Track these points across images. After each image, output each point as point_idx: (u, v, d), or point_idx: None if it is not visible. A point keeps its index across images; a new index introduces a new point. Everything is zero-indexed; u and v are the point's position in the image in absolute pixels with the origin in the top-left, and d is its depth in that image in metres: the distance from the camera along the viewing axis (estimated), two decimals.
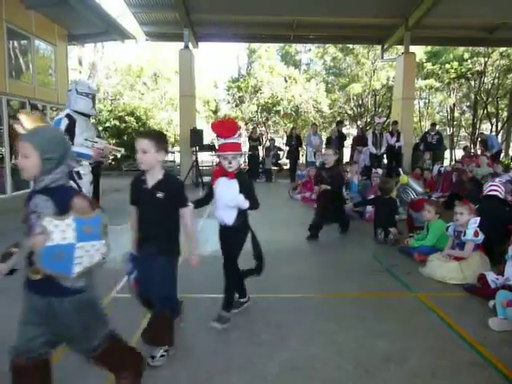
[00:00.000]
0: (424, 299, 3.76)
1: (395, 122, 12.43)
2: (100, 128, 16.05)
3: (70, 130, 4.45)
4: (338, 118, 20.25)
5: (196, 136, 11.96)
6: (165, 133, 3.49)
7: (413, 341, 3.00)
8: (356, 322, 3.29)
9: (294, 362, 2.72)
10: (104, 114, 18.36)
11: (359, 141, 12.62)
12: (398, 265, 4.74)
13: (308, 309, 3.57)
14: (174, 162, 14.00)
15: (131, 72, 21.96)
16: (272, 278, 4.34)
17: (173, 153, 14.89)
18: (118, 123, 17.97)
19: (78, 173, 4.51)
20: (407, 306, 3.65)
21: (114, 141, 18.44)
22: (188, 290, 3.96)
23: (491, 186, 5.24)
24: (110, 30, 12.26)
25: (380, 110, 22.63)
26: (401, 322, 3.31)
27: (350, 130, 24.38)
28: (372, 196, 6.91)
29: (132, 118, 18.12)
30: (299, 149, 14.46)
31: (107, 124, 18.07)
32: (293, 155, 13.71)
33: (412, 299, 3.81)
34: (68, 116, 4.54)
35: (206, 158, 15.50)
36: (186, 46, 12.87)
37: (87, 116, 4.92)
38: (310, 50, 25.09)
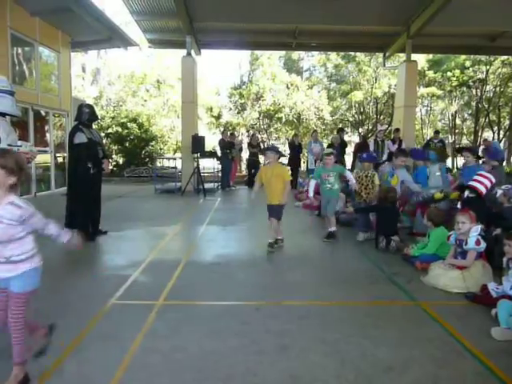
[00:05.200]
0: (426, 308, 3.74)
1: (397, 130, 12.43)
2: (102, 134, 16.09)
3: None
4: (340, 126, 20.31)
5: (198, 143, 11.97)
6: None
7: (415, 350, 2.98)
8: (357, 331, 3.27)
9: (294, 371, 2.71)
10: (106, 121, 18.43)
11: (361, 148, 12.61)
12: (400, 273, 4.72)
13: (309, 317, 3.55)
14: (175, 168, 13.99)
15: (134, 79, 22.06)
16: (273, 286, 4.35)
17: (174, 159, 14.91)
18: (120, 129, 18.02)
19: None
20: (409, 315, 3.63)
21: (116, 147, 18.53)
22: (190, 297, 3.97)
23: (478, 175, 5.33)
24: (113, 37, 12.35)
25: (382, 117, 22.66)
26: (402, 331, 3.29)
27: (352, 138, 24.41)
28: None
29: (134, 125, 18.16)
30: (300, 156, 14.47)
31: (109, 130, 18.12)
32: (294, 162, 13.73)
33: (414, 308, 3.79)
34: None
35: (207, 165, 15.53)
36: (189, 53, 12.92)
37: (4, 116, 4.11)
38: (312, 55, 25.21)
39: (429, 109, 24.92)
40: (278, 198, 5.61)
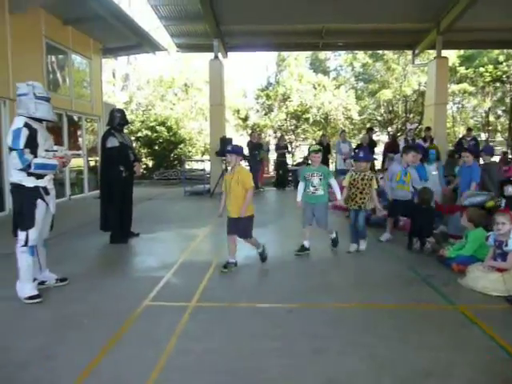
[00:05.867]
0: (465, 311, 3.62)
1: (428, 128, 12.16)
2: (132, 138, 16.40)
3: (33, 141, 3.88)
4: (368, 125, 20.02)
5: (225, 145, 12.03)
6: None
7: (455, 355, 2.88)
8: (394, 335, 3.19)
9: (330, 375, 2.66)
10: (136, 125, 18.77)
11: (391, 147, 12.40)
12: (435, 275, 4.59)
13: (344, 319, 3.49)
14: (203, 170, 14.10)
15: (163, 83, 22.39)
16: (305, 288, 4.31)
17: (203, 161, 15.04)
18: (149, 133, 18.31)
19: (45, 188, 4.04)
20: (447, 319, 3.53)
21: (145, 150, 18.84)
22: (221, 299, 3.98)
23: None
24: (142, 43, 12.58)
25: (411, 115, 22.22)
26: (441, 336, 3.19)
27: (380, 137, 24.03)
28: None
29: (163, 128, 18.43)
30: (329, 156, 14.34)
31: (139, 134, 18.44)
32: (322, 163, 13.60)
33: (452, 311, 3.68)
34: (27, 125, 3.88)
35: None
36: (216, 57, 13.03)
37: (41, 122, 4.16)
38: (339, 55, 24.99)
39: (460, 106, 24.28)
40: (238, 210, 4.75)
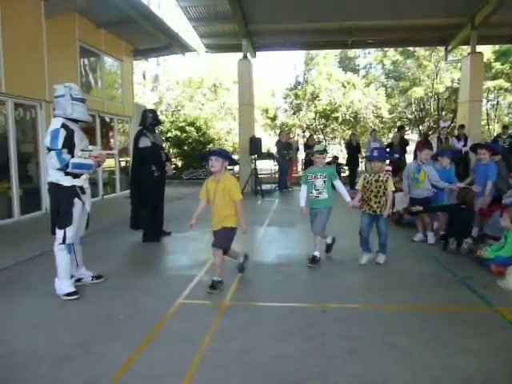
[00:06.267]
0: (506, 314, 3.49)
1: (462, 126, 11.82)
2: (162, 138, 16.64)
3: (70, 141, 3.99)
4: (399, 123, 19.64)
5: (255, 144, 12.06)
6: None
7: (497, 360, 2.79)
8: (432, 337, 3.11)
9: (367, 377, 2.61)
10: (166, 125, 19.04)
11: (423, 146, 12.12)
12: (474, 277, 4.45)
13: (379, 320, 3.43)
14: (232, 170, 14.16)
15: (192, 83, 22.63)
16: (337, 288, 4.26)
17: None
18: (179, 133, 18.54)
19: (81, 187, 4.14)
20: (487, 322, 3.41)
21: (174, 150, 19.09)
22: (254, 298, 3.98)
23: None
24: (172, 44, 12.74)
25: (444, 113, 21.68)
26: (482, 339, 3.09)
27: (411, 136, 23.55)
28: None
29: (192, 128, 18.63)
30: (358, 156, 14.17)
31: (169, 134, 18.70)
32: (352, 163, 13.48)
33: (492, 314, 3.56)
34: (64, 126, 3.99)
35: (264, 166, 15.59)
36: (245, 56, 13.07)
37: (76, 122, 4.23)
38: (369, 53, 24.65)
39: (495, 103, 23.53)
40: (222, 222, 4.18)
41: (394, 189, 5.05)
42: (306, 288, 4.29)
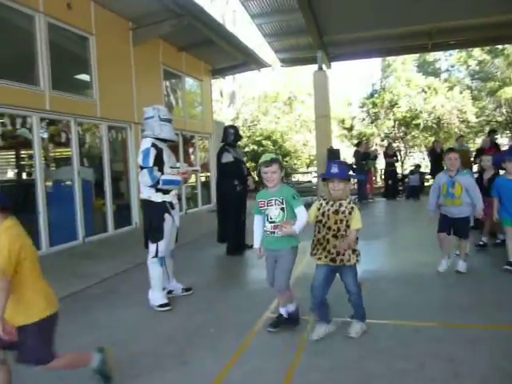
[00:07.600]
0: None
1: None
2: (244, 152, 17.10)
3: (160, 160, 4.22)
4: (487, 128, 18.32)
5: (333, 155, 11.92)
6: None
7: None
8: None
9: None
10: (243, 140, 19.50)
11: None
12: None
13: (482, 341, 3.17)
14: (310, 182, 14.09)
15: (267, 98, 23.01)
16: (431, 305, 4.02)
17: (310, 173, 15.05)
18: (256, 147, 18.89)
19: (170, 203, 4.31)
20: None
21: (252, 164, 19.46)
22: (341, 314, 3.87)
23: None
24: (248, 61, 13.06)
25: None
26: None
27: (501, 140, 21.81)
28: None
29: (269, 142, 18.91)
30: (442, 164, 13.40)
31: (246, 149, 19.12)
32: (435, 171, 12.77)
33: None
34: (154, 145, 4.23)
35: None
36: (320, 68, 13.03)
37: (165, 142, 4.46)
38: (450, 55, 23.40)
39: None
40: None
41: (360, 226, 3.27)
42: (394, 305, 4.09)
